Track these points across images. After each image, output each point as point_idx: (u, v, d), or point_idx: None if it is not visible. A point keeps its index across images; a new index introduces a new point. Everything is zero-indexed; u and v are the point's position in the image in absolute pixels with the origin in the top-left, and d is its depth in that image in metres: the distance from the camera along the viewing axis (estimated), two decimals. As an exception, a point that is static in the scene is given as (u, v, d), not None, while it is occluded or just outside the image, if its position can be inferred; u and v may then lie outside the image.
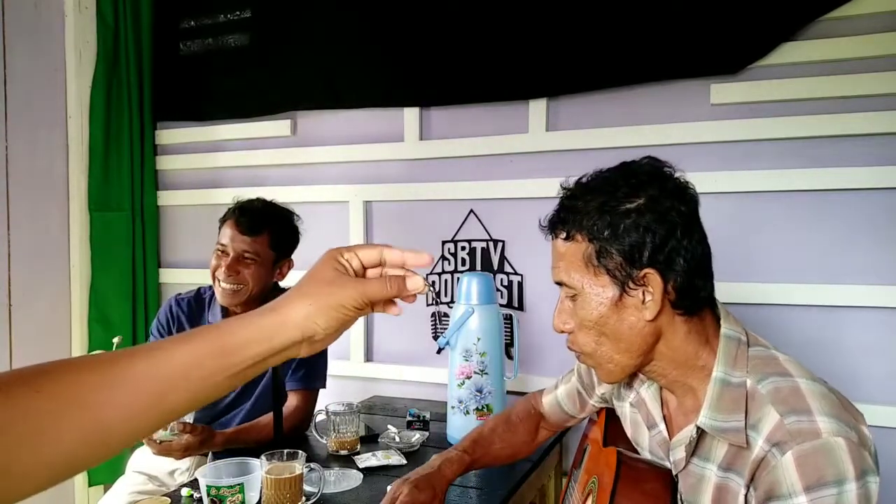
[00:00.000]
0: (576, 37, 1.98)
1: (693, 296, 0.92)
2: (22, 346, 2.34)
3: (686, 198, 0.93)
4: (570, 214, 0.95)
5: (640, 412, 1.07)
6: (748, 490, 0.85)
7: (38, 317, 2.41)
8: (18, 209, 2.34)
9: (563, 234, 0.95)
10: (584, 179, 0.97)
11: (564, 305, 0.98)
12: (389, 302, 0.70)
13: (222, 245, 1.69)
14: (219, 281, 1.68)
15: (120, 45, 2.53)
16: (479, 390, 1.68)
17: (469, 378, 1.68)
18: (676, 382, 0.97)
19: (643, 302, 0.91)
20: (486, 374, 1.68)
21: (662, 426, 1.02)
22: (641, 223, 0.89)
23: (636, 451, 1.12)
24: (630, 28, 1.91)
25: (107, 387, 0.56)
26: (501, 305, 2.09)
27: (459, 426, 1.70)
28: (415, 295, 0.69)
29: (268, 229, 1.70)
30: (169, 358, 0.57)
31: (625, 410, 1.14)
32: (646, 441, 1.07)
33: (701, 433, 0.91)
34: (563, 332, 0.99)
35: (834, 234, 1.77)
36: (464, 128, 2.18)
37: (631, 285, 0.91)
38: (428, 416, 1.86)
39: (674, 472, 0.98)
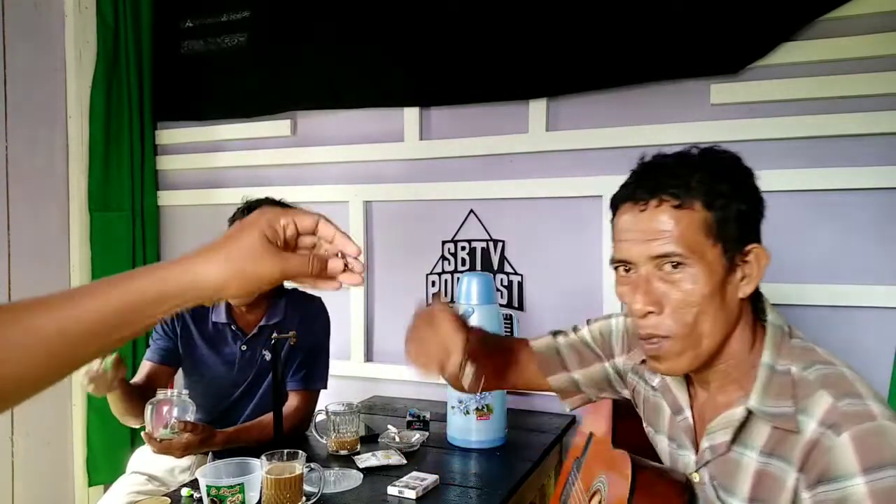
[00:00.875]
0: (576, 37, 1.98)
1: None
2: (22, 346, 2.34)
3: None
4: (684, 180, 0.87)
5: (666, 398, 1.04)
6: (798, 475, 0.83)
7: (38, 317, 2.40)
8: (18, 209, 2.34)
9: (675, 201, 0.87)
10: (682, 152, 0.93)
11: (652, 285, 0.88)
12: (322, 278, 0.66)
13: None
14: None
15: (120, 45, 2.53)
16: (479, 390, 1.68)
17: (469, 378, 1.68)
18: (719, 373, 0.93)
19: (741, 279, 0.89)
20: (486, 374, 1.68)
21: (688, 413, 0.99)
22: (753, 197, 0.89)
23: (647, 446, 1.09)
24: (630, 28, 1.91)
25: (7, 348, 0.54)
26: (501, 305, 2.09)
27: (459, 426, 1.70)
28: (340, 283, 0.67)
29: None
30: (77, 317, 0.57)
31: (646, 393, 1.10)
32: (665, 425, 1.05)
33: (746, 419, 0.89)
34: (648, 314, 0.89)
35: (834, 235, 1.77)
36: (464, 128, 2.18)
37: (737, 260, 0.88)
38: (428, 416, 1.86)
39: (703, 460, 0.94)
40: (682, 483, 0.98)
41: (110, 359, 1.48)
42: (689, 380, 1.01)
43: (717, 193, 0.87)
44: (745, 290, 0.89)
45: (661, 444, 1.06)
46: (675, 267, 0.87)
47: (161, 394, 1.50)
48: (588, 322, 1.23)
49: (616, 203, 0.95)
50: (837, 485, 0.78)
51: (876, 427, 0.79)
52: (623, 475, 0.97)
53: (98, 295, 0.58)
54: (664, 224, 0.87)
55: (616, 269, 0.94)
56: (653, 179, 0.90)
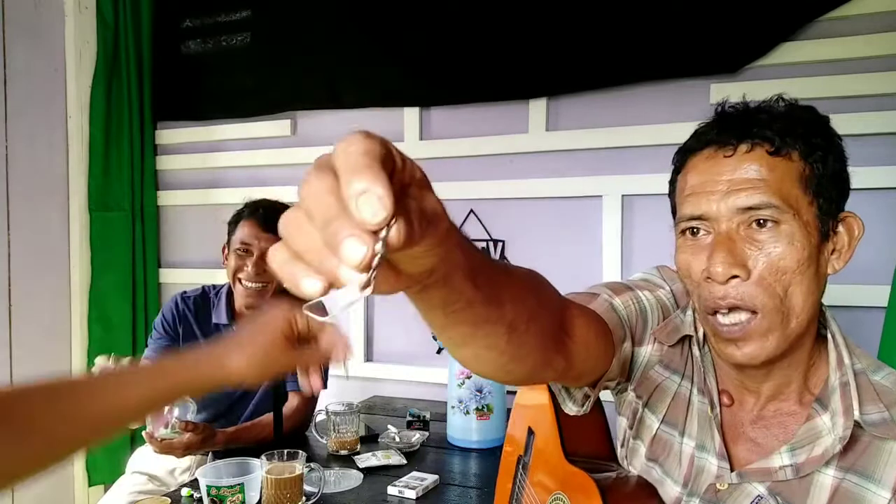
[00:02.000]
0: (576, 37, 1.98)
1: None
2: (22, 346, 2.34)
3: None
4: (784, 123, 0.73)
5: (703, 391, 0.84)
6: (892, 497, 0.69)
7: (38, 317, 2.41)
8: (18, 209, 2.34)
9: (771, 146, 0.72)
10: (771, 99, 0.79)
11: (736, 245, 0.72)
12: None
13: (245, 244, 1.68)
14: (242, 281, 1.68)
15: (120, 45, 2.53)
16: (479, 390, 1.68)
17: (469, 378, 1.68)
18: (780, 371, 0.78)
19: (834, 250, 0.75)
20: (486, 373, 1.68)
21: (717, 410, 0.83)
22: (843, 157, 0.76)
23: (601, 456, 0.95)
24: (630, 28, 1.91)
25: (60, 423, 0.68)
26: (501, 305, 2.08)
27: (459, 426, 1.70)
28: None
29: None
30: (123, 400, 0.72)
31: (671, 386, 0.88)
32: (683, 422, 0.86)
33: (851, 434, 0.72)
34: (732, 278, 0.72)
35: (834, 234, 1.77)
36: (464, 128, 2.18)
37: (832, 227, 0.74)
38: (428, 416, 1.86)
39: (778, 478, 0.76)
40: (654, 491, 0.86)
41: (125, 360, 1.47)
42: (715, 372, 0.84)
43: (815, 145, 0.73)
44: (836, 265, 0.75)
45: (673, 442, 0.86)
46: (763, 224, 0.72)
47: None
48: (605, 289, 0.90)
49: (686, 154, 0.80)
50: None
51: None
52: (586, 494, 0.84)
53: (140, 382, 0.74)
54: (756, 172, 0.72)
55: (682, 232, 0.78)
56: (742, 122, 0.75)
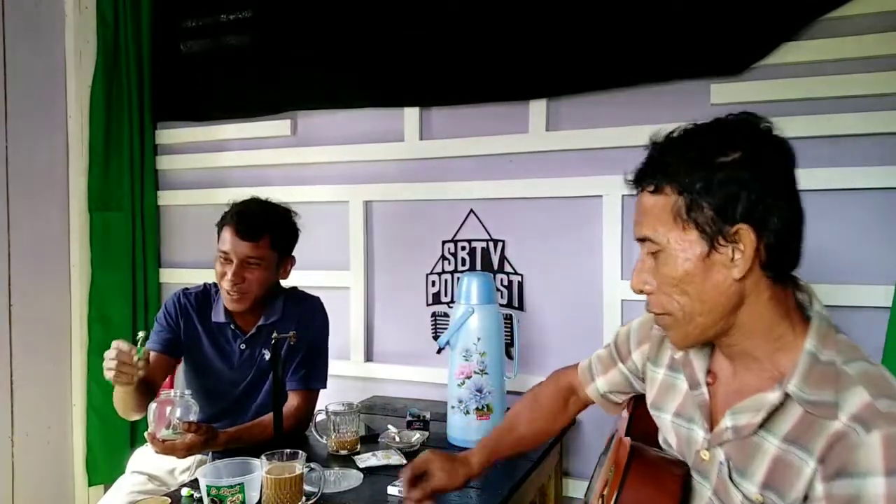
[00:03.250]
0: (576, 37, 1.98)
1: (785, 259, 0.89)
2: (22, 346, 2.34)
3: (784, 154, 0.89)
4: (659, 166, 0.90)
5: (685, 372, 1.03)
6: (817, 465, 0.81)
7: (38, 316, 2.41)
8: (18, 209, 2.34)
9: (651, 187, 0.90)
10: (674, 133, 0.93)
11: (645, 264, 0.93)
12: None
13: (224, 252, 1.67)
14: (225, 288, 1.68)
15: (120, 45, 2.53)
16: (479, 390, 1.68)
17: (469, 378, 1.69)
18: (744, 353, 0.93)
19: (732, 259, 0.87)
20: (486, 373, 1.68)
21: (704, 389, 0.99)
22: (737, 177, 0.85)
23: (655, 436, 1.11)
24: (630, 28, 1.91)
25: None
26: (501, 305, 2.09)
27: (459, 426, 1.71)
28: None
29: (267, 232, 1.69)
30: None
31: (657, 376, 1.10)
32: (675, 402, 1.05)
33: (780, 404, 0.87)
34: (641, 292, 0.94)
35: (834, 234, 1.77)
36: (464, 128, 2.18)
37: (720, 241, 0.86)
38: (428, 416, 1.86)
39: (722, 439, 0.93)
40: (680, 466, 1.00)
41: (143, 348, 1.47)
42: (711, 357, 1.01)
43: (691, 177, 0.87)
44: (734, 273, 0.87)
45: (665, 422, 1.06)
46: (653, 252, 0.91)
47: (164, 394, 1.50)
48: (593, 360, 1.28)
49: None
50: (856, 481, 0.77)
51: None
52: (622, 457, 1.01)
53: None
54: (643, 208, 0.92)
55: None
56: (643, 165, 0.93)
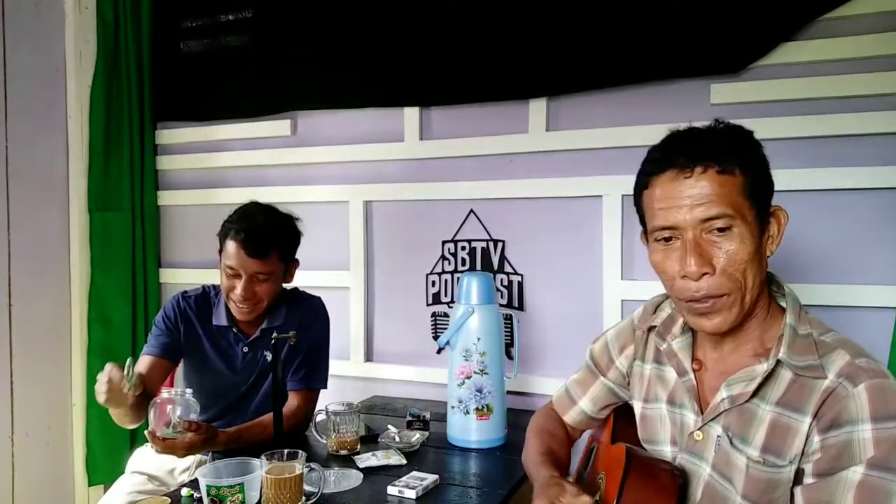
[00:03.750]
0: (576, 36, 1.98)
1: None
2: (22, 346, 2.35)
3: None
4: (722, 148, 0.95)
5: (671, 363, 1.10)
6: (812, 422, 0.90)
7: (38, 317, 2.41)
8: (18, 209, 2.34)
9: (718, 167, 0.94)
10: (719, 124, 1.01)
11: (703, 248, 0.95)
12: None
13: (232, 268, 1.65)
14: (234, 302, 1.68)
15: (120, 45, 2.53)
16: (479, 390, 1.68)
17: (469, 378, 1.69)
18: (739, 333, 1.01)
19: (769, 237, 0.98)
20: (486, 373, 1.68)
21: (692, 375, 1.06)
22: (766, 164, 0.98)
23: (637, 444, 1.14)
24: (630, 28, 1.91)
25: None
26: (501, 305, 2.09)
27: (459, 426, 1.71)
28: None
29: (275, 248, 1.68)
30: None
31: (645, 371, 1.16)
32: (665, 391, 1.11)
33: (770, 372, 0.95)
34: (703, 275, 0.95)
35: (834, 235, 1.77)
36: (464, 128, 2.18)
37: (767, 219, 0.98)
38: (428, 416, 1.86)
39: (718, 410, 1.00)
40: (673, 467, 1.05)
41: (134, 377, 1.45)
42: (694, 347, 1.09)
43: (749, 161, 0.96)
44: (772, 248, 0.99)
45: (659, 412, 1.11)
46: (721, 230, 0.94)
47: (165, 392, 1.49)
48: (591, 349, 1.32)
49: (648, 176, 1.01)
50: (847, 429, 0.86)
51: (889, 383, 0.88)
52: (618, 461, 1.04)
53: None
54: (711, 188, 0.94)
55: (656, 239, 1.00)
56: (693, 148, 0.96)
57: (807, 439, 0.90)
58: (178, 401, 1.47)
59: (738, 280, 0.94)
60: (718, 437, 1.00)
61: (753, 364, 0.98)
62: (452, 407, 1.72)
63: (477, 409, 1.69)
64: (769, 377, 0.96)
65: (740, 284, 0.95)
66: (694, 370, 1.07)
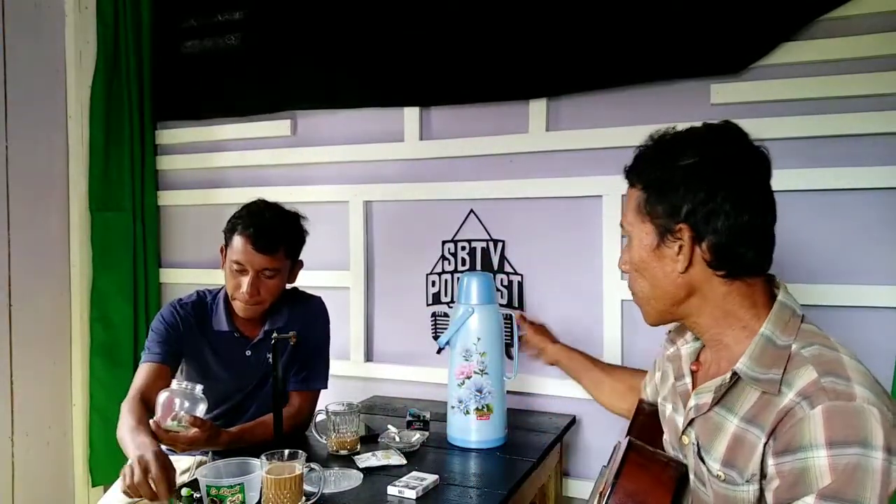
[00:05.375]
0: (576, 36, 1.98)
1: (733, 261, 0.96)
2: (22, 346, 2.34)
3: (747, 165, 0.96)
4: (636, 163, 1.03)
5: (674, 365, 1.14)
6: (767, 441, 0.87)
7: (38, 317, 2.41)
8: (18, 209, 2.34)
9: (629, 181, 1.05)
10: (660, 134, 1.03)
11: (625, 249, 1.07)
12: None
13: (239, 263, 1.65)
14: (240, 300, 1.67)
15: (120, 45, 2.53)
16: (479, 390, 1.68)
17: (469, 378, 1.68)
18: (714, 339, 1.02)
19: (677, 254, 0.98)
20: (486, 373, 1.68)
21: (688, 379, 1.08)
22: (689, 180, 0.95)
23: (658, 442, 1.15)
24: (630, 28, 1.91)
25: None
26: (501, 305, 2.09)
27: (459, 426, 1.71)
28: None
29: (284, 243, 1.68)
30: None
31: (663, 369, 1.21)
32: (666, 390, 1.16)
33: (733, 384, 0.95)
34: (623, 271, 1.09)
35: (835, 235, 1.77)
36: (464, 128, 2.18)
37: (669, 237, 0.98)
38: (428, 416, 1.86)
39: (689, 418, 1.02)
40: (677, 463, 1.04)
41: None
42: (701, 349, 1.10)
43: (652, 176, 0.99)
44: (678, 266, 0.98)
45: (665, 411, 1.15)
46: (625, 235, 1.06)
47: (175, 384, 1.48)
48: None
49: None
50: (801, 455, 0.82)
51: (852, 407, 0.81)
52: (619, 456, 1.05)
53: None
54: (628, 200, 1.06)
55: None
56: (631, 161, 1.06)
57: (762, 459, 0.88)
58: (186, 395, 1.46)
59: (638, 283, 1.06)
60: (693, 444, 1.02)
61: (726, 373, 0.96)
62: (452, 407, 1.72)
63: (477, 409, 1.69)
64: (738, 389, 0.94)
65: (640, 288, 1.05)
66: (693, 371, 1.09)
